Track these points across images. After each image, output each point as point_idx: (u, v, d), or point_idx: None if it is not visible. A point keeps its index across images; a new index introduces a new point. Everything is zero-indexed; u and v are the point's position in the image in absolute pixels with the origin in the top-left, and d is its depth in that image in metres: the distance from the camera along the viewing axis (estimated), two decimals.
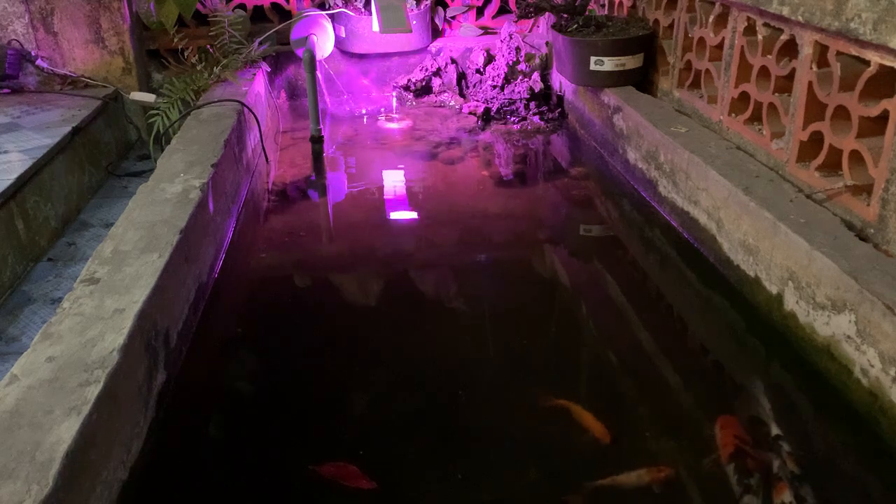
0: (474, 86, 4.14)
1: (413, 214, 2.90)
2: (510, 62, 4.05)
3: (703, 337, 2.09)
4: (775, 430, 1.67)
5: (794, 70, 2.16)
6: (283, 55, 4.12)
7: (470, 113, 3.91)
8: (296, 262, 2.54)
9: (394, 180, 3.25)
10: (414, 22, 3.97)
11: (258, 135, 3.29)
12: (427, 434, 1.70)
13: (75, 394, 1.36)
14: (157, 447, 1.62)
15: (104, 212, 3.10)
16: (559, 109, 3.90)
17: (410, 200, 3.03)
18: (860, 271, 1.66)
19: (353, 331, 2.12)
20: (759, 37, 2.32)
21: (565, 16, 3.32)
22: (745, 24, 2.40)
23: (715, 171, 2.28)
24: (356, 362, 1.98)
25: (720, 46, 2.60)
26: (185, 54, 3.68)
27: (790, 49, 2.17)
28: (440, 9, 4.27)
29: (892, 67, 1.78)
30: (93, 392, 1.36)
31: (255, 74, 3.60)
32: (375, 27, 3.88)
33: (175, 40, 3.64)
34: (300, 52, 3.64)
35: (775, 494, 1.48)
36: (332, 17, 4.03)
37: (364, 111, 4.11)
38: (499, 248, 2.62)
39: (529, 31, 4.25)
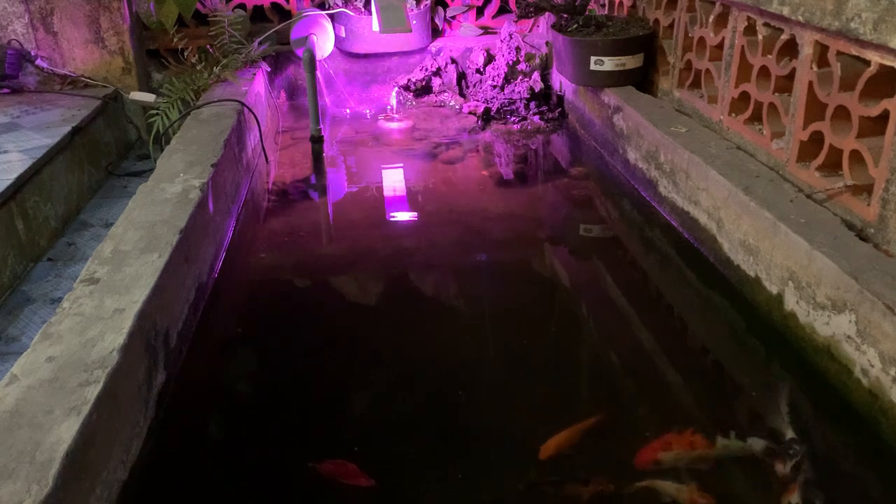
0: (474, 86, 4.13)
1: (413, 214, 2.90)
2: (510, 62, 4.05)
3: (703, 337, 2.09)
4: (776, 431, 1.67)
5: (794, 70, 2.16)
6: (283, 55, 4.12)
7: (470, 113, 3.91)
8: (296, 262, 2.54)
9: (394, 180, 3.25)
10: (414, 22, 3.97)
11: (258, 135, 3.29)
12: (427, 434, 1.70)
13: (75, 394, 1.36)
14: (157, 447, 1.62)
15: (104, 212, 3.09)
16: (559, 109, 3.90)
17: (410, 200, 3.03)
18: (860, 271, 1.66)
19: (353, 331, 2.12)
20: (760, 37, 2.32)
21: (565, 16, 3.32)
22: (746, 23, 2.40)
23: (715, 170, 2.27)
24: (356, 362, 1.98)
25: (720, 46, 2.60)
26: (185, 54, 3.68)
27: (790, 49, 2.17)
28: (440, 9, 4.27)
29: (892, 67, 1.78)
30: (93, 392, 1.36)
31: (254, 74, 3.60)
32: (375, 27, 3.88)
33: (175, 40, 3.65)
34: (300, 52, 3.64)
35: (784, 495, 1.48)
36: (331, 16, 4.03)
37: (364, 111, 4.11)
38: (499, 248, 2.62)
39: (529, 31, 4.25)
